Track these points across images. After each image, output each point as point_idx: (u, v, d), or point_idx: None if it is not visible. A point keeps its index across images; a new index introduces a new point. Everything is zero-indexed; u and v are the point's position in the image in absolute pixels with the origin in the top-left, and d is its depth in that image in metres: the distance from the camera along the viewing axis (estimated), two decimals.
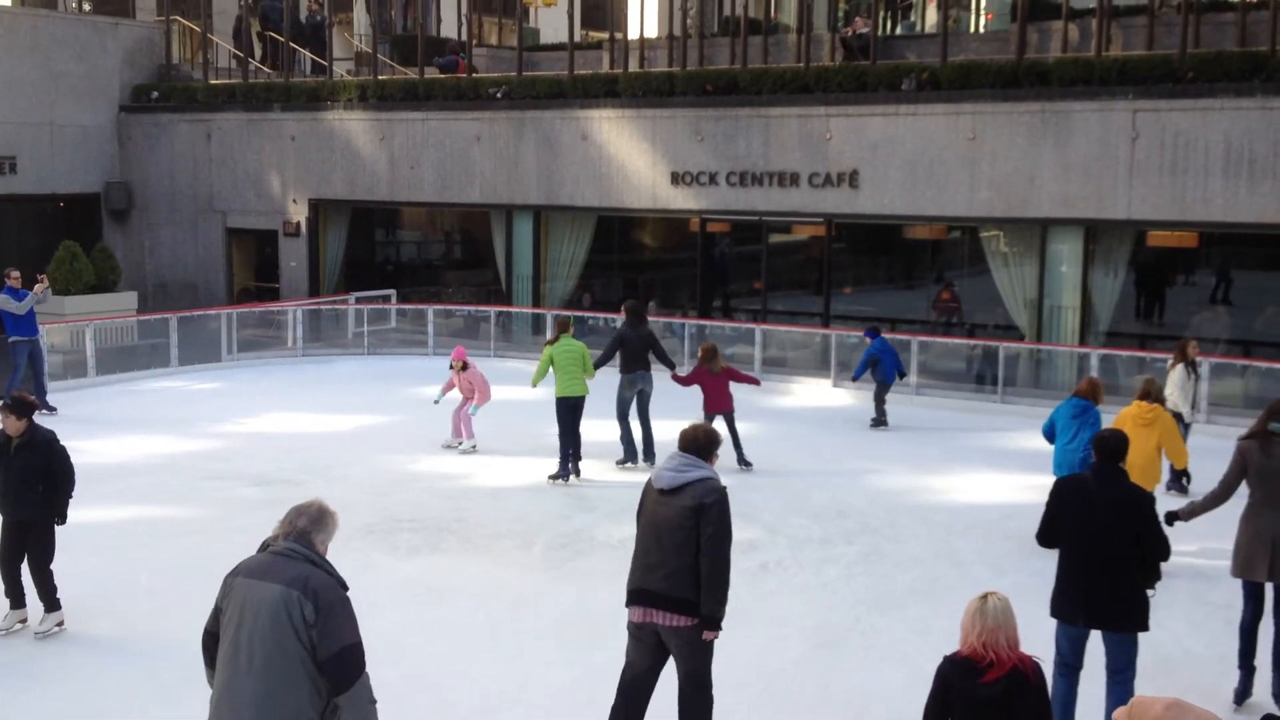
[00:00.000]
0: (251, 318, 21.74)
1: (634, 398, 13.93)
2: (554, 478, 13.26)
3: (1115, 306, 17.97)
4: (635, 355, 13.92)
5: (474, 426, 14.61)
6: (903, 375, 16.24)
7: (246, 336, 21.07)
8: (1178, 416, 12.37)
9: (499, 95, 21.99)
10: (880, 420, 15.68)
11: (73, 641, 8.73)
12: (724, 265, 21.76)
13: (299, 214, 24.21)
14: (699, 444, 6.81)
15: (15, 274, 16.37)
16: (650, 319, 20.70)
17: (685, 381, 14.10)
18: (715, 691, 8.02)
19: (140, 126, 25.80)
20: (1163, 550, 6.92)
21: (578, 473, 13.36)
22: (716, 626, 6.74)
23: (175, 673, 8.24)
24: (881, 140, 18.66)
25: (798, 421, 16.44)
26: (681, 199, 20.36)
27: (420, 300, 22.59)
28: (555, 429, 13.47)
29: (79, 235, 23.76)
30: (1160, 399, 10.80)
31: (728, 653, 8.69)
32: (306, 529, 5.40)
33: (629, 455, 13.88)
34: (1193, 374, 13.34)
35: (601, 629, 9.11)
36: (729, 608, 9.44)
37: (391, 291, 22.62)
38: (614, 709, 6.98)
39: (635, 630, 6.89)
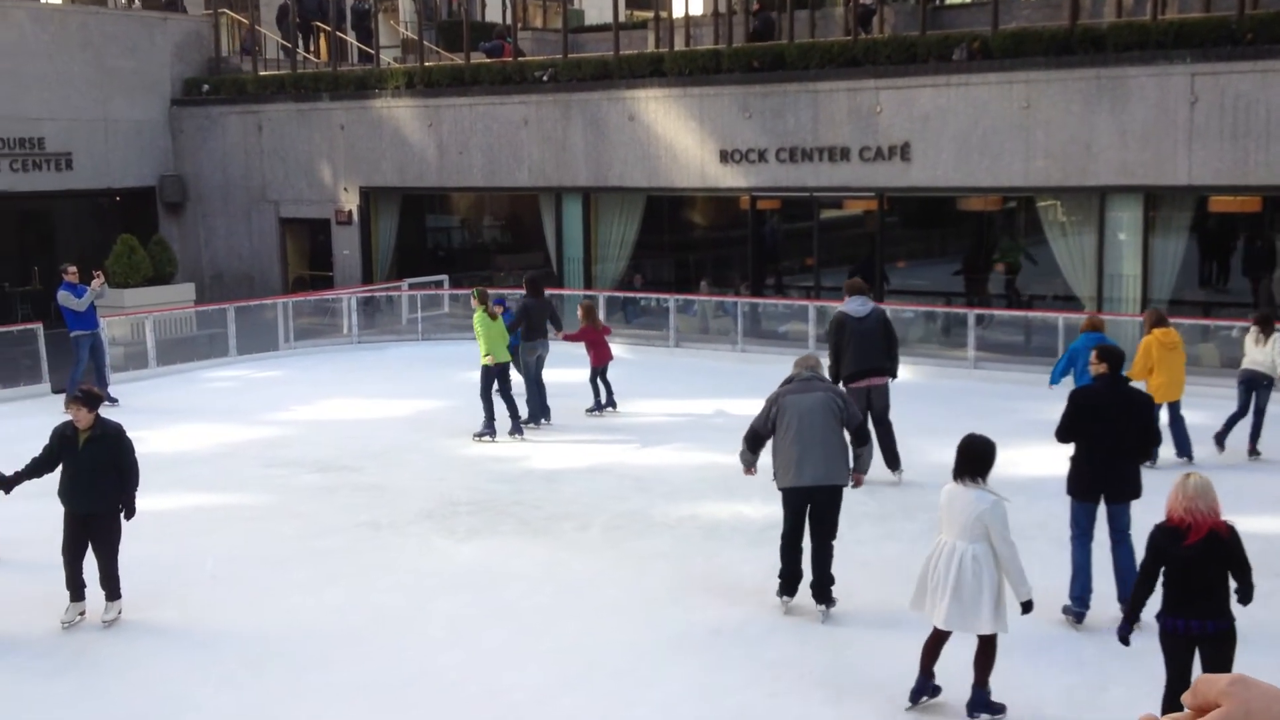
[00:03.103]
0: (307, 306, 21.90)
1: (535, 363, 14.79)
2: (480, 435, 14.15)
3: (1177, 274, 17.65)
4: (538, 324, 14.83)
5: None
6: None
7: (302, 325, 21.23)
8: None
9: (545, 78, 21.94)
10: None
11: (136, 629, 8.83)
12: (775, 242, 21.61)
13: (350, 202, 24.33)
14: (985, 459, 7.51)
15: (72, 269, 16.58)
16: (703, 297, 20.83)
17: (573, 338, 15.48)
18: (774, 672, 8.01)
19: (192, 119, 26.04)
20: (1156, 438, 8.75)
21: (519, 431, 14.28)
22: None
23: (238, 658, 8.32)
24: (933, 112, 18.42)
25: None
26: (730, 177, 20.24)
27: (472, 285, 22.59)
28: (611, 410, 13.44)
29: (135, 228, 24.03)
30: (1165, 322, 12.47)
31: (788, 630, 8.66)
32: (814, 366, 9.03)
33: (533, 416, 14.80)
34: None
35: (660, 609, 9.10)
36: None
37: (444, 277, 22.68)
38: None
39: None
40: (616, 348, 19.90)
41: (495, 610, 9.15)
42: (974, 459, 7.30)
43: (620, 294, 21.35)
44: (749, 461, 9.19)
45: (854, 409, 9.02)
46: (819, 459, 8.63)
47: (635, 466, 13.06)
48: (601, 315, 20.24)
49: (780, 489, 8.89)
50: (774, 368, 17.49)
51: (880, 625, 8.75)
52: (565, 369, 15.89)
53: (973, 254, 20.38)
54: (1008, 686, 7.59)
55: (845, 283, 12.96)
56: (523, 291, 15.34)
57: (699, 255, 23.06)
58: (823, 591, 8.84)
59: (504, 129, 22.32)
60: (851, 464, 9.02)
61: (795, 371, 8.97)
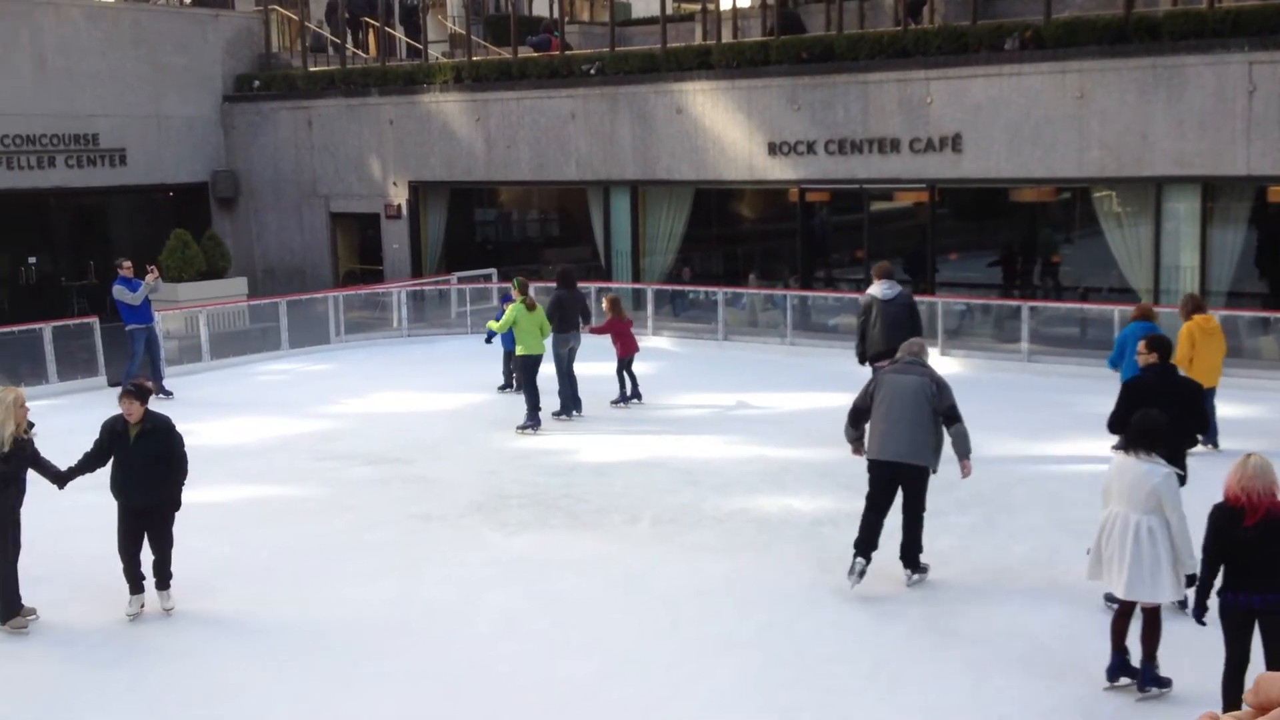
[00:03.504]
0: (357, 300, 22.04)
1: (566, 355, 14.79)
2: (522, 428, 14.23)
3: (1235, 265, 17.36)
4: (570, 317, 14.84)
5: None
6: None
7: (353, 318, 21.37)
8: None
9: (592, 72, 21.93)
10: None
11: (191, 620, 8.92)
12: (824, 235, 21.49)
13: (399, 197, 24.46)
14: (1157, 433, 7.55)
15: (127, 264, 16.77)
16: (751, 291, 20.75)
17: (599, 331, 15.44)
18: (824, 669, 7.96)
19: (243, 115, 26.27)
20: (1203, 425, 8.69)
21: (539, 423, 14.34)
22: None
23: (291, 648, 8.39)
24: (985, 102, 18.22)
25: None
26: (779, 169, 20.13)
27: (529, 279, 22.63)
28: (659, 402, 13.43)
29: (188, 223, 24.30)
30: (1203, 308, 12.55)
31: (840, 625, 8.61)
32: (917, 353, 9.43)
33: (564, 408, 14.84)
34: None
35: (711, 603, 9.07)
36: (843, 579, 9.39)
37: (492, 270, 22.74)
38: None
39: None
40: (664, 341, 19.99)
41: (545, 603, 9.16)
42: (1147, 433, 7.50)
43: (668, 287, 21.32)
44: (852, 438, 9.54)
45: (948, 395, 9.22)
46: (903, 437, 9.05)
47: (685, 460, 13.03)
48: (649, 309, 20.33)
49: (867, 460, 9.35)
50: (823, 361, 17.50)
51: (932, 623, 8.68)
52: (597, 362, 15.84)
53: (1013, 245, 20.18)
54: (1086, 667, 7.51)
55: (874, 267, 13.39)
56: (554, 284, 15.33)
57: (747, 248, 22.97)
58: (909, 557, 9.32)
59: (551, 123, 22.34)
60: (954, 451, 9.20)
61: (899, 354, 9.51)
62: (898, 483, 9.18)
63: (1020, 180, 18.56)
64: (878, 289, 12.86)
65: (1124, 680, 7.51)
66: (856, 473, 12.19)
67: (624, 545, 10.42)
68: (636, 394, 15.60)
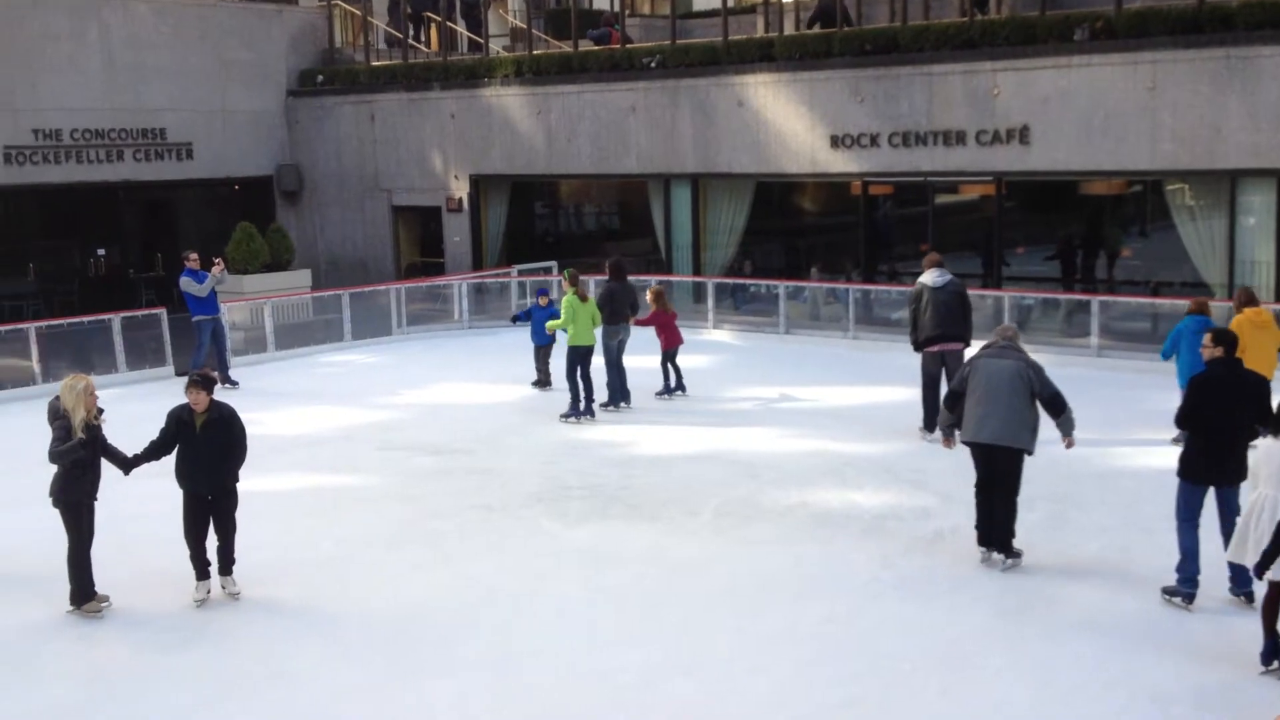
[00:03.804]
0: (419, 292, 22.17)
1: (616, 346, 14.86)
2: (566, 416, 14.41)
3: None
4: (620, 308, 14.90)
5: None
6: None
7: (415, 310, 21.49)
8: None
9: (653, 65, 21.88)
10: None
11: (257, 606, 8.99)
12: (887, 228, 21.28)
13: (461, 190, 24.57)
14: None
15: (194, 256, 16.97)
16: (813, 284, 20.60)
17: (644, 323, 15.34)
18: (885, 664, 7.85)
19: (307, 110, 26.51)
20: (1266, 418, 8.21)
21: (590, 413, 14.47)
22: None
23: (356, 635, 8.42)
24: (1053, 94, 17.94)
25: None
26: (842, 162, 19.96)
27: (585, 272, 22.65)
28: (719, 395, 13.35)
29: (253, 216, 24.57)
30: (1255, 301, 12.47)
31: (903, 620, 8.49)
32: (1011, 337, 9.54)
33: (613, 399, 14.90)
34: None
35: (771, 596, 9.00)
36: (906, 574, 9.28)
37: (552, 263, 22.76)
38: None
39: None
40: (724, 335, 19.91)
41: (605, 594, 9.13)
42: None
43: (729, 280, 21.22)
44: (947, 423, 9.77)
45: (1047, 381, 9.35)
46: (999, 420, 9.21)
47: (745, 453, 12.95)
48: (710, 302, 20.25)
49: (963, 443, 9.53)
50: (886, 355, 17.33)
51: (1000, 619, 8.54)
52: (642, 354, 15.78)
53: (1072, 238, 19.85)
54: (1130, 670, 7.36)
55: (924, 258, 13.53)
56: (605, 276, 15.36)
57: (809, 241, 22.80)
58: (1003, 543, 9.43)
59: (612, 116, 22.32)
60: (1059, 432, 9.50)
61: (993, 339, 9.62)
62: (993, 465, 9.35)
63: (1090, 173, 18.26)
64: (928, 277, 13.06)
65: (1277, 664, 7.45)
66: (920, 467, 12.15)
67: (683, 537, 10.37)
68: (681, 386, 15.60)
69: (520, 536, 10.52)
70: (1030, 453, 9.39)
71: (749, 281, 20.99)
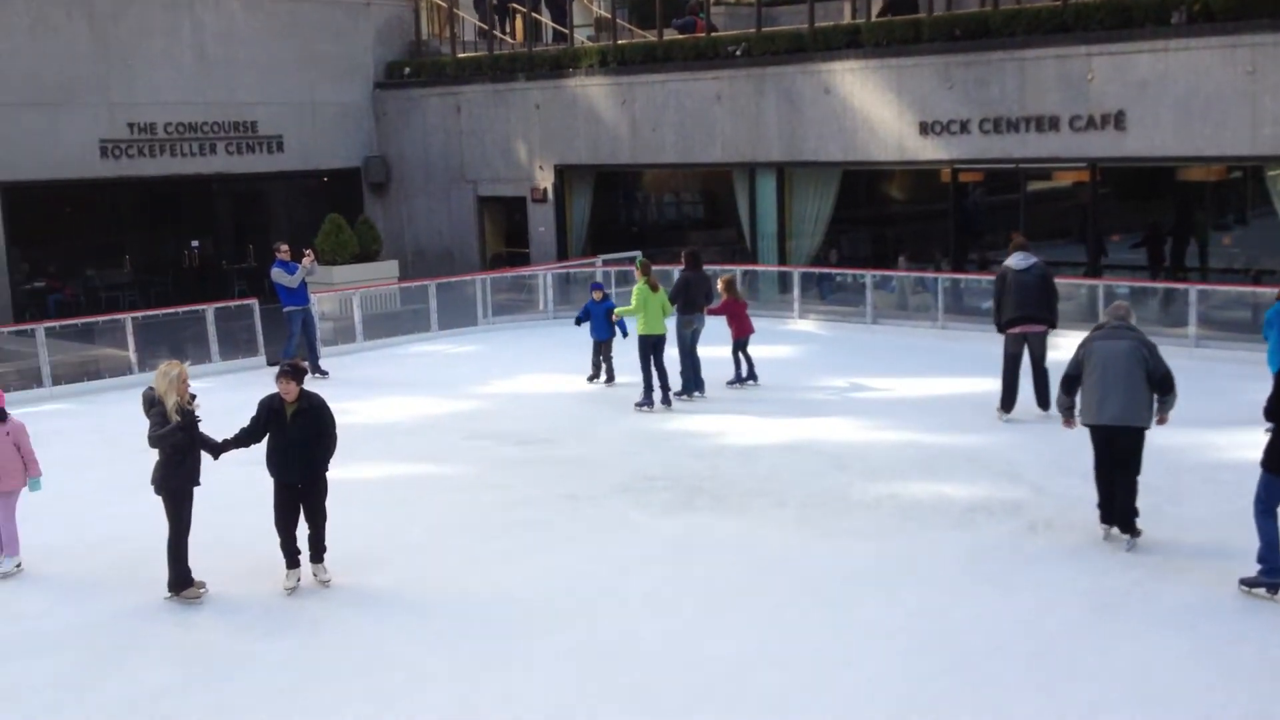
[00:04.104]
0: (504, 282, 22.28)
1: (690, 336, 14.81)
2: (640, 405, 14.44)
3: None
4: (695, 298, 14.90)
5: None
6: None
7: (500, 300, 21.61)
8: None
9: (738, 53, 21.75)
10: None
11: (347, 593, 9.09)
12: (977, 216, 20.93)
13: (545, 180, 24.65)
14: None
15: (284, 247, 17.21)
16: (901, 273, 20.35)
17: (715, 312, 15.28)
18: (976, 659, 7.71)
19: (394, 102, 26.78)
20: None
21: (667, 402, 14.51)
22: None
23: (444, 623, 8.48)
24: (1150, 78, 17.50)
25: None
26: (931, 149, 19.68)
27: (665, 261, 22.65)
28: (804, 386, 13.23)
29: (342, 208, 24.90)
30: None
31: (994, 614, 8.34)
32: (1124, 316, 9.56)
33: (686, 388, 14.89)
34: None
35: (859, 589, 8.89)
36: (997, 567, 9.12)
37: (637, 253, 22.69)
38: None
39: None
40: (810, 325, 19.75)
41: (691, 584, 9.09)
42: None
43: (815, 270, 21.03)
44: (1065, 405, 9.76)
45: (1161, 360, 9.37)
46: (1119, 400, 9.29)
47: (832, 444, 12.82)
48: (795, 292, 20.10)
49: (1083, 425, 9.62)
50: (977, 345, 17.04)
51: (1096, 615, 8.35)
52: (713, 345, 15.68)
53: (1160, 226, 19.36)
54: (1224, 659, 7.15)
55: (1010, 243, 13.70)
56: (681, 266, 15.33)
57: (897, 230, 22.54)
58: (1126, 522, 9.53)
59: (697, 105, 22.23)
60: (1156, 409, 9.53)
61: (1105, 319, 9.75)
62: (1114, 445, 9.43)
63: (1188, 159, 17.80)
64: (1013, 260, 13.23)
65: None
66: (1012, 459, 11.94)
67: (770, 529, 10.29)
68: (752, 375, 15.55)
69: (606, 527, 10.52)
70: (1148, 428, 9.47)
71: (835, 271, 20.78)
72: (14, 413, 10.09)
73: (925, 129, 19.59)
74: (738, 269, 20.79)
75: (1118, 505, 9.53)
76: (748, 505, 10.91)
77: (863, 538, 10.00)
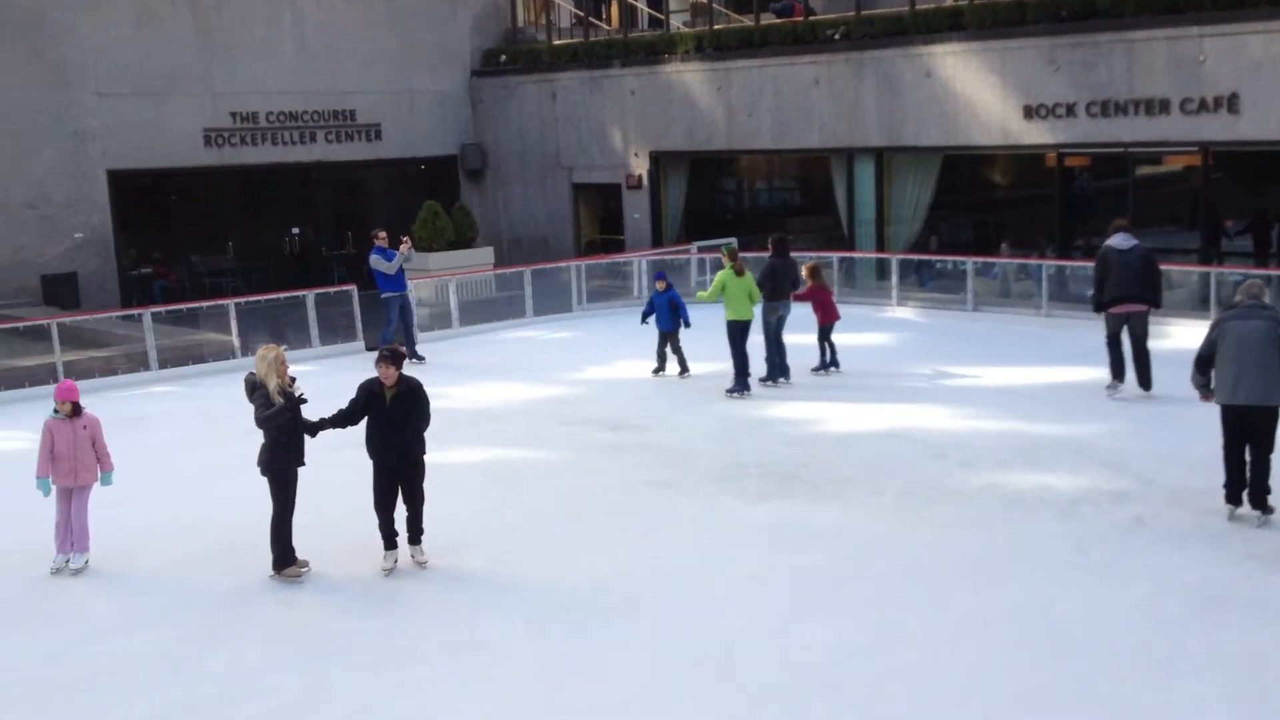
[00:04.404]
0: (599, 269, 22.29)
1: (776, 322, 14.71)
2: (731, 391, 14.37)
3: None
4: (782, 284, 14.78)
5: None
6: None
7: (595, 287, 21.63)
8: None
9: (837, 37, 21.48)
10: None
11: (442, 575, 9.14)
12: (1084, 201, 20.42)
13: (640, 167, 24.61)
14: None
15: (382, 234, 17.37)
16: (1004, 260, 19.93)
17: (800, 298, 15.13)
18: (1080, 651, 7.49)
19: (490, 90, 26.94)
20: None
21: (748, 388, 14.44)
22: None
23: (537, 607, 8.48)
24: (1265, 59, 16.90)
25: (1175, 366, 15.18)
26: (1035, 133, 19.24)
27: (759, 248, 22.47)
28: (902, 373, 13.07)
29: (439, 195, 25.13)
30: None
31: (1100, 606, 8.10)
32: (1258, 295, 9.54)
33: (771, 374, 14.84)
34: None
35: (959, 579, 8.71)
36: (1101, 559, 8.86)
37: (732, 240, 22.56)
38: None
39: None
40: (909, 312, 19.45)
41: (786, 572, 8.98)
42: None
43: (914, 256, 20.70)
44: (1199, 384, 9.75)
45: None
46: (1254, 380, 9.28)
47: (931, 432, 12.60)
48: (894, 279, 19.81)
49: (1218, 404, 9.58)
50: (1082, 333, 16.63)
51: (1205, 605, 8.07)
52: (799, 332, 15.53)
53: (1266, 211, 18.70)
54: None
55: (1111, 223, 13.74)
56: (769, 252, 15.21)
57: (999, 215, 22.10)
58: (1258, 499, 9.51)
59: (794, 90, 22.01)
60: None
61: (1239, 299, 9.74)
62: (1249, 424, 9.41)
63: None
64: (1115, 240, 13.32)
65: None
66: (1118, 449, 11.62)
67: (867, 517, 10.14)
68: (835, 362, 15.45)
69: (699, 513, 10.45)
70: None
71: (935, 258, 20.43)
72: (116, 397, 10.30)
73: (1030, 112, 19.17)
74: (834, 255, 20.58)
75: (1252, 484, 9.49)
76: (844, 493, 10.76)
77: (962, 527, 9.79)
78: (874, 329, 18.14)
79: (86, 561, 9.43)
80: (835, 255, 20.92)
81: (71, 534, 9.35)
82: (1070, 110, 18.75)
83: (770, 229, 23.70)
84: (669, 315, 15.53)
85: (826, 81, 21.56)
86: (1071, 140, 18.96)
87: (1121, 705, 6.85)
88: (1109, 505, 10.14)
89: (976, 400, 13.92)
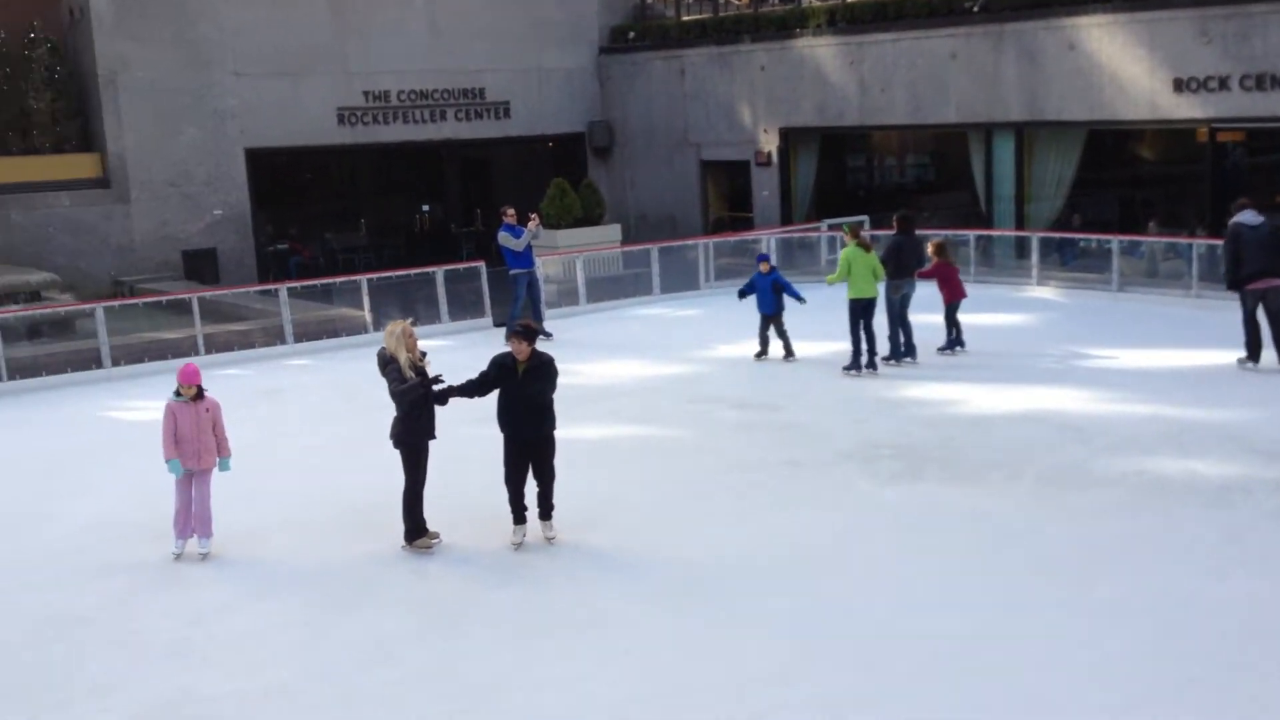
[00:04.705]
0: (726, 247, 22.10)
1: (900, 300, 14.48)
2: (848, 369, 14.21)
3: None
4: (907, 262, 14.52)
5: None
6: None
7: (722, 265, 21.45)
8: None
9: (975, 9, 20.93)
10: None
11: (571, 550, 9.12)
12: (1238, 178, 19.55)
13: (769, 143, 24.32)
14: None
15: (510, 211, 17.44)
16: (1151, 239, 19.20)
17: (925, 276, 14.84)
18: (1231, 643, 7.13)
19: (618, 67, 26.87)
20: None
21: (873, 366, 14.20)
22: None
23: (663, 583, 8.42)
24: None
25: None
26: (1186, 107, 18.48)
27: (889, 227, 22.03)
28: (1043, 354, 13.10)
29: (566, 172, 25.18)
30: None
31: (1251, 598, 7.72)
32: None
33: (895, 353, 14.61)
34: None
35: (1101, 567, 8.39)
36: (1254, 549, 8.43)
37: (864, 218, 22.18)
38: None
39: None
40: (1049, 292, 18.88)
41: (919, 556, 8.75)
42: None
43: (1055, 235, 20.06)
44: None
45: None
46: None
47: (1073, 415, 12.17)
48: (1034, 257, 19.23)
49: None
50: (1233, 315, 15.86)
51: None
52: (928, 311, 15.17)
53: None
54: None
55: (1234, 203, 13.71)
56: (894, 230, 14.95)
57: (1146, 193, 21.32)
58: None
59: (930, 64, 21.50)
60: None
61: None
62: None
63: None
64: (1244, 217, 13.26)
65: None
66: (1274, 436, 11.06)
67: (1004, 502, 9.82)
68: (960, 341, 15.12)
69: (829, 493, 10.24)
70: None
71: (1078, 236, 19.77)
72: (252, 370, 10.45)
73: (1180, 86, 18.41)
74: (971, 234, 20.05)
75: None
76: (981, 476, 10.45)
77: (1105, 514, 9.43)
78: (1012, 309, 17.66)
79: (209, 549, 9.23)
80: (972, 233, 20.37)
81: (194, 520, 9.22)
82: (1223, 83, 17.95)
83: (902, 207, 23.30)
84: (772, 298, 15.17)
85: (964, 55, 21.01)
86: (1225, 115, 18.17)
87: (1272, 701, 6.51)
88: (1263, 494, 9.66)
89: (1121, 383, 13.43)
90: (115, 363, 16.19)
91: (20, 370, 15.74)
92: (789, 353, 15.31)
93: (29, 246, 22.33)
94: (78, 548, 9.60)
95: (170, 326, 17.75)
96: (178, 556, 9.24)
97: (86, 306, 17.55)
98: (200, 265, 23.44)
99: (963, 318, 15.14)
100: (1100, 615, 7.64)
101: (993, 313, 15.40)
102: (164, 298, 18.63)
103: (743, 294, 15.50)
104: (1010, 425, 11.98)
